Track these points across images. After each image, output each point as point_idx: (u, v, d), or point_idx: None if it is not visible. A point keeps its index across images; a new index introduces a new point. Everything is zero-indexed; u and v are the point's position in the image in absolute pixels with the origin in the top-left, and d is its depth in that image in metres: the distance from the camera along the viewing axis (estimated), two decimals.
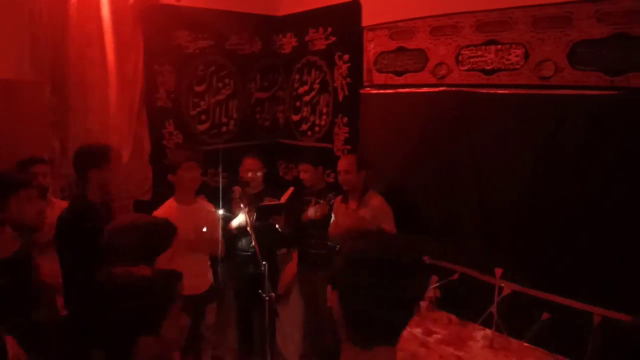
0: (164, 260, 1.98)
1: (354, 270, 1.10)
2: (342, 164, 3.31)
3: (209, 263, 3.20)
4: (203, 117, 4.10)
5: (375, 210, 3.21)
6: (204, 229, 3.02)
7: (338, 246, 3.06)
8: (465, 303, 2.83)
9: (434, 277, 2.84)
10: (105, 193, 2.65)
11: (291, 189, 3.56)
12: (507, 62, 2.86)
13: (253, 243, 2.98)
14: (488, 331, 2.60)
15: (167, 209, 2.99)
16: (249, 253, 3.42)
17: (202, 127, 4.10)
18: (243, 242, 3.51)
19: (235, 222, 3.39)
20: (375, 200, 3.26)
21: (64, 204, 2.99)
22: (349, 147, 3.87)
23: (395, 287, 1.06)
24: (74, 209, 2.52)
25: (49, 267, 2.47)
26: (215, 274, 3.32)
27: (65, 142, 3.36)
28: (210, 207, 3.23)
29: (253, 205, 3.32)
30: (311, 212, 3.53)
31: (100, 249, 1.77)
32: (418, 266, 1.12)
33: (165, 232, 2.00)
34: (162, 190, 3.29)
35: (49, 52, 3.25)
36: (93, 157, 2.61)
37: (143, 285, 1.28)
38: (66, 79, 3.33)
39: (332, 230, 3.39)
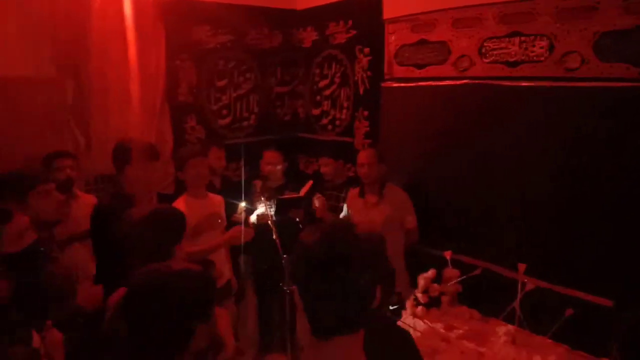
0: (181, 249, 2.05)
1: (305, 263, 1.11)
2: (362, 157, 3.29)
3: (227, 257, 3.21)
4: (224, 111, 4.13)
5: (398, 203, 3.20)
6: (219, 221, 3.05)
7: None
8: (488, 298, 2.80)
9: (456, 272, 2.82)
10: (141, 189, 2.61)
11: (310, 182, 3.57)
12: (531, 54, 2.82)
13: (274, 236, 3.00)
14: (510, 327, 2.57)
15: (179, 204, 3.01)
16: (270, 246, 3.44)
17: (223, 122, 4.14)
18: (264, 235, 3.53)
19: (254, 216, 3.41)
20: (397, 193, 3.24)
21: (89, 197, 3.05)
22: (369, 141, 3.86)
23: (344, 278, 1.07)
24: (108, 201, 2.56)
25: (69, 261, 2.51)
26: (237, 266, 3.35)
27: (88, 138, 3.42)
28: (221, 199, 3.22)
29: (273, 198, 3.34)
30: (316, 201, 3.54)
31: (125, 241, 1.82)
32: (366, 256, 1.11)
33: (180, 219, 2.07)
34: (184, 184, 3.33)
35: (70, 49, 3.30)
36: (129, 153, 2.59)
37: (193, 278, 1.34)
38: (88, 75, 3.38)
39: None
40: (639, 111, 2.39)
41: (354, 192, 3.43)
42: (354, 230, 1.17)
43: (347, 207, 3.43)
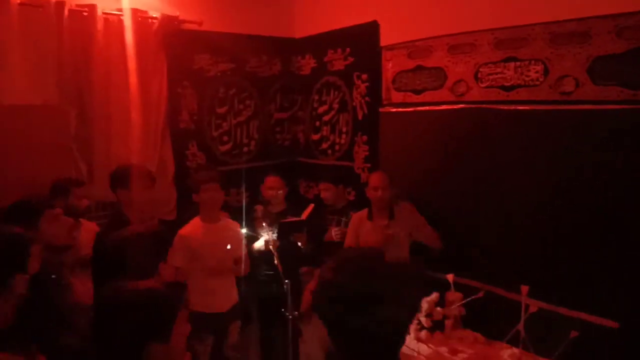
0: (170, 268, 2.10)
1: (331, 302, 1.06)
2: (376, 181, 3.26)
3: (234, 281, 3.22)
4: (225, 138, 4.18)
5: (408, 221, 3.21)
6: (229, 247, 3.07)
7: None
8: (491, 321, 2.80)
9: (459, 295, 2.82)
10: (139, 211, 2.79)
11: (312, 205, 3.58)
12: (526, 79, 2.87)
13: (276, 261, 3.00)
14: (515, 350, 2.56)
15: (192, 227, 3.06)
16: (272, 272, 3.43)
17: (224, 148, 4.18)
18: (266, 261, 3.52)
19: (258, 244, 3.42)
20: (404, 210, 3.25)
21: (91, 224, 3.06)
22: (369, 165, 3.89)
23: (374, 318, 1.01)
24: (111, 228, 2.59)
25: (81, 287, 2.51)
26: (239, 292, 3.34)
27: (91, 165, 3.45)
28: (235, 225, 3.26)
29: (275, 223, 3.35)
30: (333, 233, 3.54)
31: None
32: (397, 294, 1.05)
33: (160, 238, 2.12)
34: (186, 210, 3.35)
35: (74, 77, 3.35)
36: (117, 178, 2.87)
37: (150, 296, 1.38)
38: (91, 103, 3.43)
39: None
40: (631, 133, 2.43)
41: (360, 215, 3.41)
42: (382, 261, 1.11)
43: (352, 230, 3.40)
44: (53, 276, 2.22)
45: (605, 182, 2.53)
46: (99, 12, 3.40)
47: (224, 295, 3.13)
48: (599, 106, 2.56)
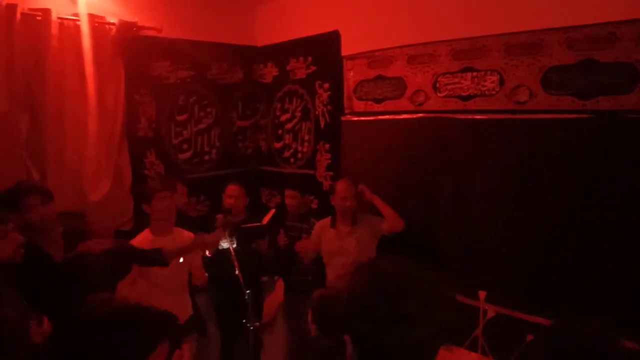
0: (126, 284, 2.06)
1: (361, 316, 1.00)
2: (344, 190, 3.24)
3: (188, 295, 3.10)
4: (185, 146, 4.11)
5: (370, 226, 3.22)
6: (181, 260, 2.92)
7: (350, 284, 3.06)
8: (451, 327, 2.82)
9: None
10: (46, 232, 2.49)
11: (273, 210, 3.54)
12: (483, 88, 2.94)
13: (237, 271, 2.95)
14: (474, 355, 2.59)
15: (141, 241, 2.91)
16: (232, 281, 3.37)
17: (184, 156, 4.10)
18: (226, 270, 3.46)
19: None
20: (367, 218, 3.27)
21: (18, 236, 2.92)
22: (331, 173, 3.90)
23: (399, 337, 0.96)
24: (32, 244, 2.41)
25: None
26: (196, 303, 3.26)
27: (44, 174, 3.32)
28: (189, 236, 3.13)
29: (235, 232, 3.29)
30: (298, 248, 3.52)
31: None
32: (426, 315, 0.98)
33: (125, 255, 2.07)
34: (144, 220, 3.26)
35: (26, 83, 3.22)
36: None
37: (144, 311, 1.40)
38: (44, 110, 3.30)
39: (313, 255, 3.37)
40: (584, 141, 2.52)
41: (323, 223, 3.40)
42: (416, 278, 1.05)
43: (316, 237, 3.39)
44: None
45: (560, 188, 2.60)
46: (54, 16, 3.29)
47: (177, 310, 3.00)
48: (552, 115, 2.64)
